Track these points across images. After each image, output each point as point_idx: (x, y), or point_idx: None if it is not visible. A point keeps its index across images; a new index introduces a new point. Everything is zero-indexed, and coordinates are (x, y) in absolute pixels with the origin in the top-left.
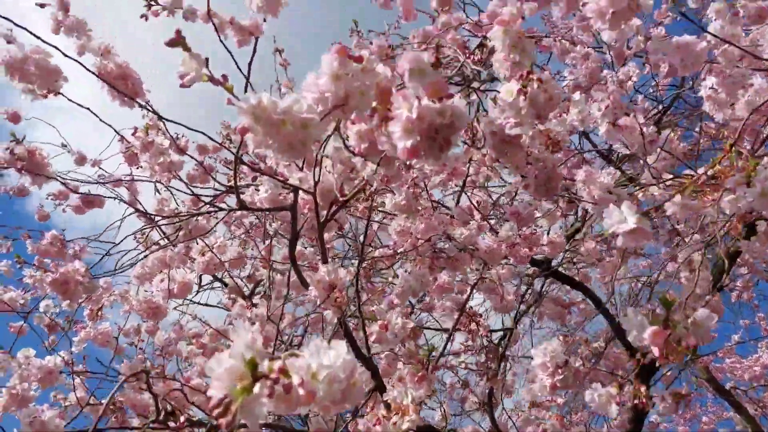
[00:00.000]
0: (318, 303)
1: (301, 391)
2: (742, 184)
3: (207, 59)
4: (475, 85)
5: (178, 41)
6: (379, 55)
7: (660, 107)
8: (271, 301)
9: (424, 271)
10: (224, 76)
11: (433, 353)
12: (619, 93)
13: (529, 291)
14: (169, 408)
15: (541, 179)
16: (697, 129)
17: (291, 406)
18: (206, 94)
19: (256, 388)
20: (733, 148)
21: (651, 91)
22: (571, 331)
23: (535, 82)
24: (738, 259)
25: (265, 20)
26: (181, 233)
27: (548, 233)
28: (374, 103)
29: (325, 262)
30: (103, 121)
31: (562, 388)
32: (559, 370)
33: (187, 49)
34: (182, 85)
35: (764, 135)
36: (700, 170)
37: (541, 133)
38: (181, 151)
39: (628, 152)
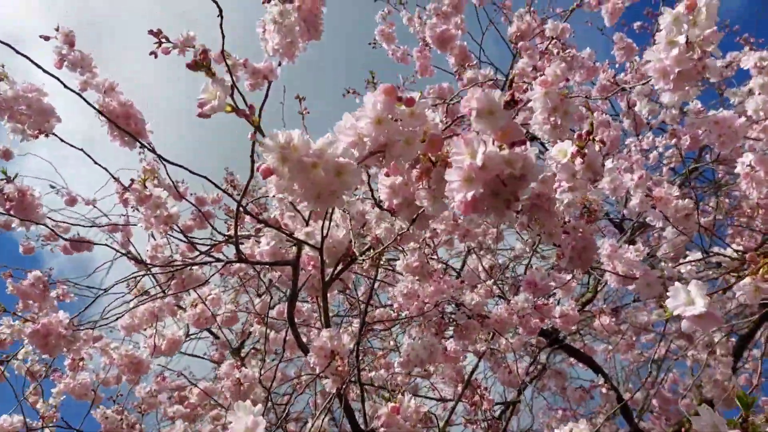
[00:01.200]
0: (318, 371)
1: None
2: None
3: (233, 86)
4: None
5: (202, 63)
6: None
7: (678, 179)
8: (263, 359)
9: (433, 340)
10: (251, 107)
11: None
12: (643, 161)
13: (535, 362)
14: None
15: (577, 250)
16: (712, 203)
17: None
18: (208, 138)
19: None
20: None
21: (669, 162)
22: (569, 406)
23: (597, 144)
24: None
25: (280, 64)
26: (173, 282)
27: (559, 304)
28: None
29: (327, 325)
30: (98, 164)
31: None
32: None
33: (211, 74)
34: (200, 114)
35: None
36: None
37: (579, 200)
38: (180, 196)
39: (660, 224)
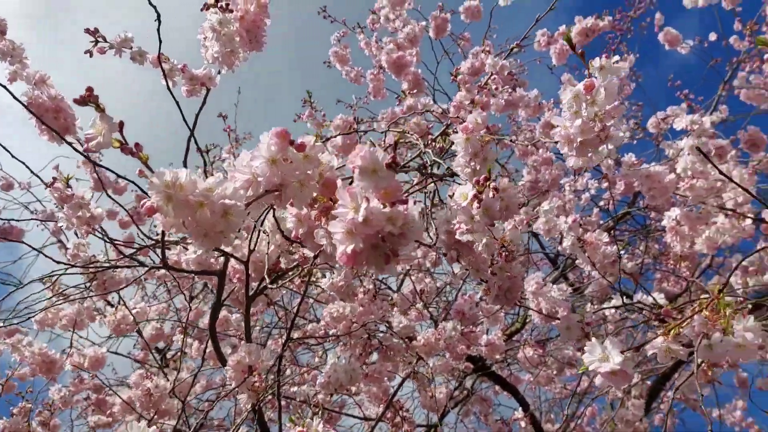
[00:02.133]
0: (234, 386)
1: None
2: (721, 332)
3: (121, 123)
4: (436, 172)
5: (89, 99)
6: (342, 128)
7: (610, 222)
8: (178, 369)
9: (355, 364)
10: (137, 145)
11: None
12: (575, 202)
13: (460, 387)
14: None
15: (503, 289)
16: (641, 248)
17: None
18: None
19: None
20: (722, 295)
21: (603, 204)
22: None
23: (491, 191)
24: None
25: (219, 73)
26: (94, 283)
27: (487, 333)
28: (315, 194)
29: (248, 339)
30: (17, 159)
31: None
32: None
33: (100, 109)
34: (87, 150)
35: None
36: (678, 307)
37: (495, 240)
38: (118, 192)
39: (588, 267)
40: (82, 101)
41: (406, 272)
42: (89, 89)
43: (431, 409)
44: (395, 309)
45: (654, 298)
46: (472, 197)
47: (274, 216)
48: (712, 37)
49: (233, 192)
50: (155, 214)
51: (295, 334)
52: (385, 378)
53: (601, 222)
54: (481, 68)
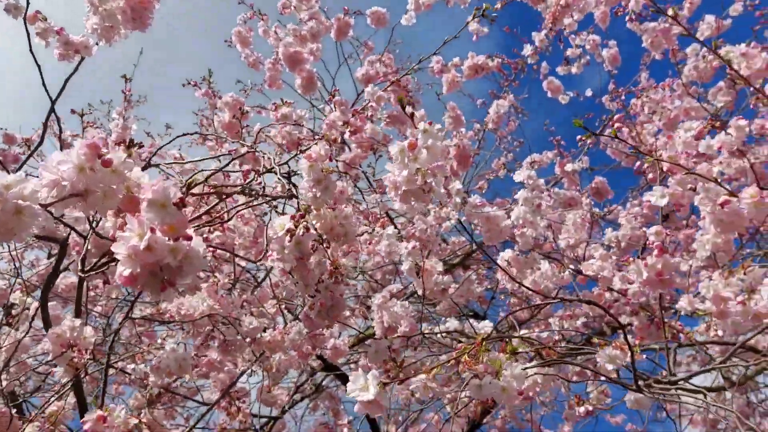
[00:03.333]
0: (51, 358)
1: None
2: (492, 375)
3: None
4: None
5: None
6: (231, 108)
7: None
8: (17, 329)
9: (186, 355)
10: None
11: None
12: (435, 229)
13: (308, 382)
14: None
15: (325, 308)
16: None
17: None
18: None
19: None
20: (484, 344)
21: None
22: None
23: (303, 229)
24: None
25: (98, 44)
26: None
27: (339, 336)
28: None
29: (77, 315)
30: None
31: None
32: None
33: None
34: None
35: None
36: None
37: (329, 261)
38: None
39: (420, 292)
40: None
41: (267, 274)
42: None
43: (267, 403)
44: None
45: (446, 327)
46: (286, 230)
47: None
48: (588, 92)
49: (31, 193)
50: None
51: (148, 310)
52: (227, 368)
53: (459, 252)
54: (375, 77)
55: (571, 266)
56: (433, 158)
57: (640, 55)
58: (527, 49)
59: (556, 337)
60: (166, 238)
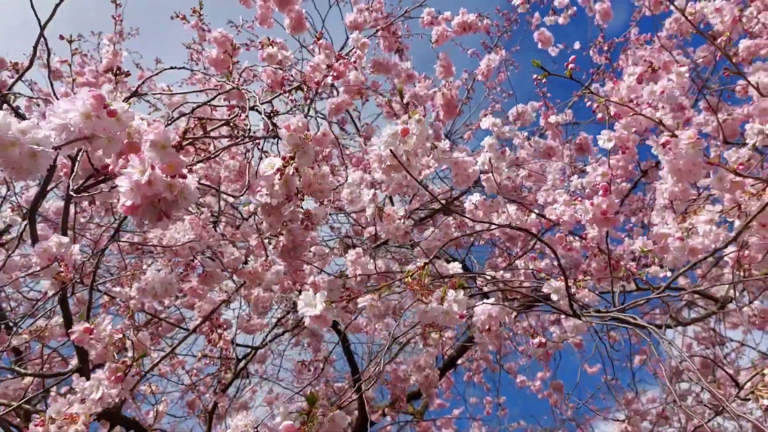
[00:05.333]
0: (39, 270)
1: None
2: (437, 301)
3: None
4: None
5: None
6: (221, 44)
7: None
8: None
9: (171, 280)
10: None
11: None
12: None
13: (290, 316)
14: None
15: (286, 248)
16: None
17: None
18: None
19: None
20: (427, 267)
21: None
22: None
23: (293, 168)
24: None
25: None
26: None
27: (320, 274)
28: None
29: (63, 233)
30: None
31: None
32: None
33: None
34: None
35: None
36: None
37: (302, 210)
38: None
39: (383, 235)
40: None
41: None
42: None
43: (248, 331)
44: (227, 240)
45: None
46: (276, 170)
47: None
48: (576, 45)
49: (44, 138)
50: None
51: (136, 238)
52: (209, 297)
53: (441, 200)
54: (363, 24)
55: (536, 210)
56: (420, 143)
57: (630, 11)
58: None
59: (522, 278)
60: (165, 175)
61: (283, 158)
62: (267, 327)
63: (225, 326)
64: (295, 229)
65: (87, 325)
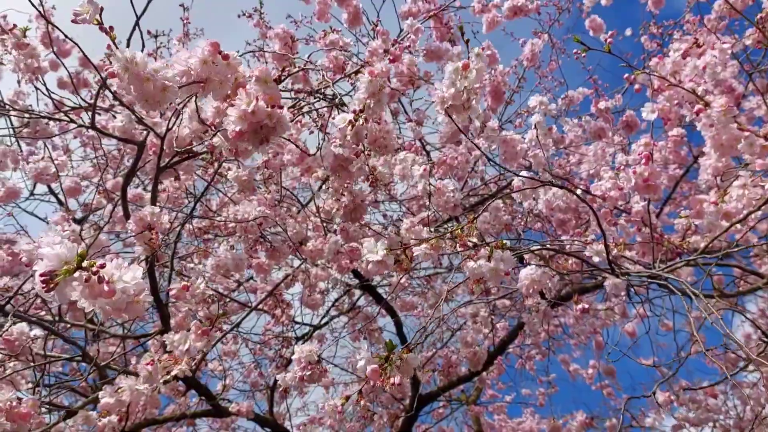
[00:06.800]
0: (133, 236)
1: (105, 288)
2: (484, 258)
3: (102, 8)
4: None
5: None
6: (282, 39)
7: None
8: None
9: (243, 257)
10: (111, 27)
11: (225, 319)
12: (464, 158)
13: (344, 298)
14: None
15: (349, 209)
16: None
17: (93, 295)
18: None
19: (77, 273)
20: (474, 222)
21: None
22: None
23: (362, 120)
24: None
25: None
26: (26, 130)
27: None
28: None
29: (153, 203)
30: None
31: (307, 381)
32: (309, 366)
33: None
34: (73, 21)
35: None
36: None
37: (369, 168)
38: (63, 54)
39: (434, 208)
40: None
41: (315, 192)
42: None
43: (309, 306)
44: (291, 215)
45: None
46: (348, 122)
47: (195, 104)
48: (628, 32)
49: (172, 76)
50: (114, 78)
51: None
52: (271, 273)
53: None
54: (417, 14)
55: (581, 187)
56: (479, 78)
57: None
58: None
59: (567, 248)
60: (266, 106)
61: (354, 111)
62: (325, 306)
63: (287, 304)
64: (356, 191)
65: (184, 283)
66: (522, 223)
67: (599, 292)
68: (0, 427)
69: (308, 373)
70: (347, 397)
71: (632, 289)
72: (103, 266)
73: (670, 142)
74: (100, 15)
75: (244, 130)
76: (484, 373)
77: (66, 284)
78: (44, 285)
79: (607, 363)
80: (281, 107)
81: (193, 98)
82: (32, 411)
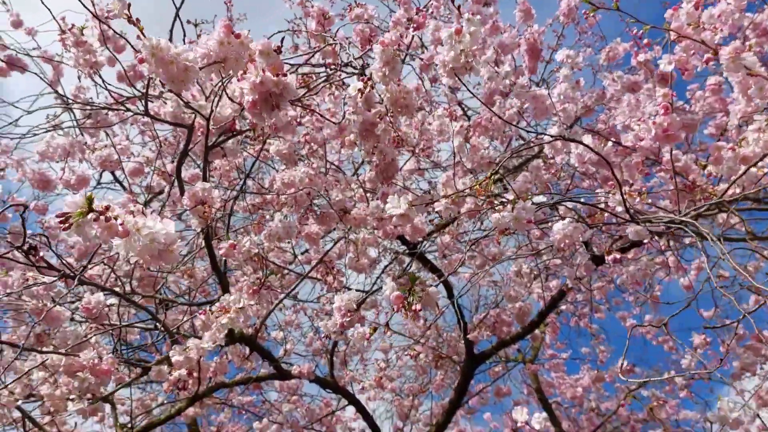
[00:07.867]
0: (188, 209)
1: (120, 228)
2: (505, 209)
3: (129, 4)
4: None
5: None
6: (318, 17)
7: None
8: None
9: (293, 224)
10: (137, 19)
11: (277, 282)
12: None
13: (393, 264)
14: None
15: (380, 168)
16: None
17: (110, 235)
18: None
19: (90, 215)
20: (492, 177)
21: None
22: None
23: (370, 88)
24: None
25: None
26: (88, 121)
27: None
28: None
29: (205, 179)
30: (45, 5)
31: (347, 327)
32: (349, 313)
33: None
34: (107, 18)
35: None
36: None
37: (394, 130)
38: (117, 50)
39: (468, 165)
40: None
41: (361, 164)
42: None
43: (356, 269)
44: (336, 184)
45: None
46: (358, 90)
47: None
48: None
49: (194, 58)
50: (143, 64)
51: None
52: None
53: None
54: None
55: (612, 139)
56: (474, 42)
57: None
58: None
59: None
60: (271, 75)
61: (362, 80)
62: (374, 270)
63: (338, 270)
64: (385, 149)
65: (231, 241)
66: (569, 182)
67: (650, 245)
68: (86, 382)
69: (348, 319)
70: (375, 328)
71: (670, 242)
72: (108, 207)
73: (708, 91)
74: (129, 9)
75: (256, 99)
76: (537, 331)
77: (84, 224)
78: (61, 224)
79: (659, 317)
80: (285, 74)
81: (233, 79)
82: (112, 368)
